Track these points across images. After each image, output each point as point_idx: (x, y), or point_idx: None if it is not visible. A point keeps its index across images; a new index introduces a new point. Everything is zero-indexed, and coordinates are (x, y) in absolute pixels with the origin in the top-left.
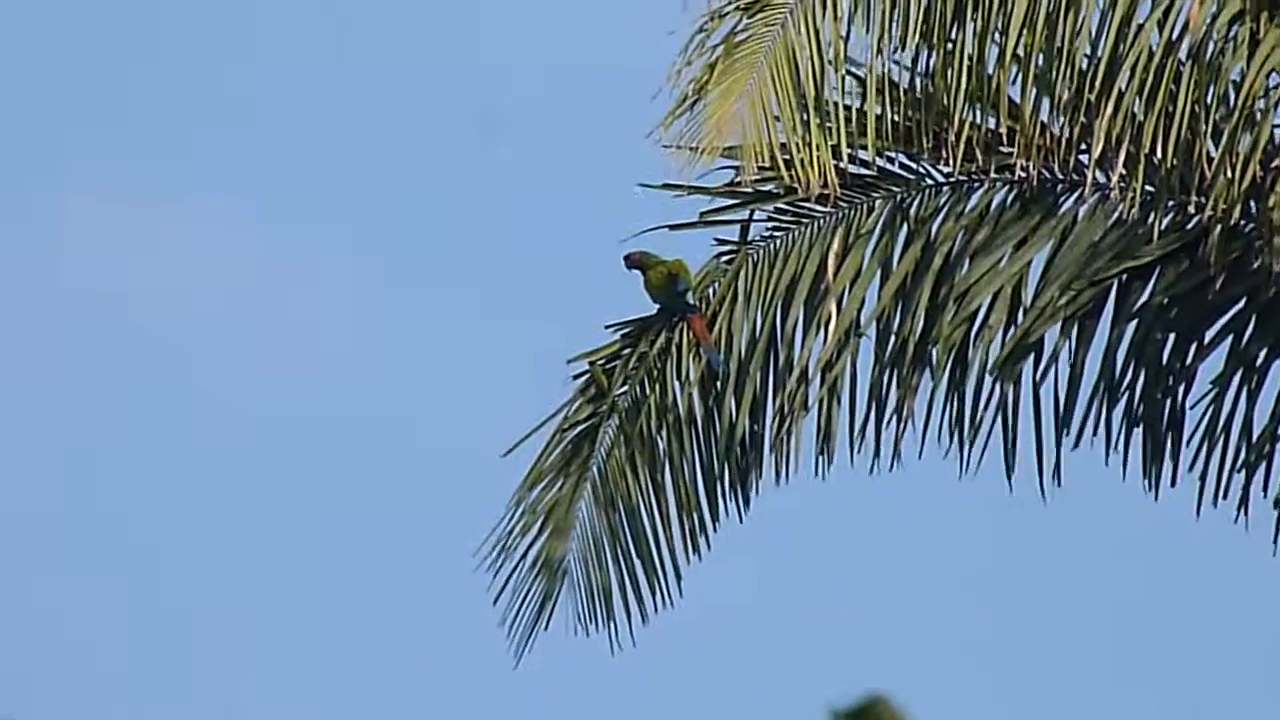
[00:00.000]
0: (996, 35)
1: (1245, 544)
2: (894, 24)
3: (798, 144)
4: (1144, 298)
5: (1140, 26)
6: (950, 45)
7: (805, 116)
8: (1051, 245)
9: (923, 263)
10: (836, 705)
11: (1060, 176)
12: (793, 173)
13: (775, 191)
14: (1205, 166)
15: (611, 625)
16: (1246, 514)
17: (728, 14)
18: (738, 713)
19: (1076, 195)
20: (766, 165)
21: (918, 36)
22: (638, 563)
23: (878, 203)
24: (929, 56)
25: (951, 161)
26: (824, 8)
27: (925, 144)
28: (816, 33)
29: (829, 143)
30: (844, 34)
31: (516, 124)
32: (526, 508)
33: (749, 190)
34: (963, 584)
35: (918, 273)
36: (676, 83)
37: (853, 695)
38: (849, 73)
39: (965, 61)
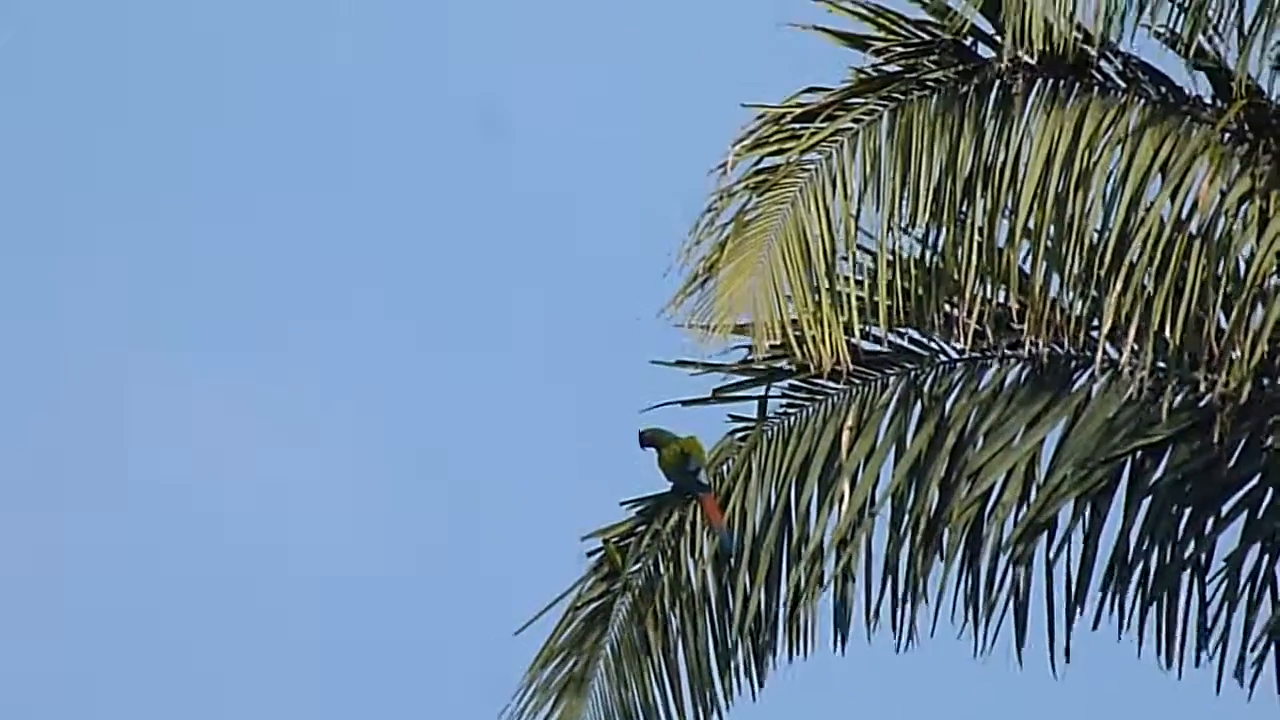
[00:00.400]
0: (1006, 212)
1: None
2: (904, 202)
3: (809, 321)
4: (1157, 474)
5: (1151, 204)
6: (960, 222)
7: (816, 294)
8: (1065, 423)
9: (936, 440)
10: None
11: (1072, 353)
12: (805, 350)
13: (788, 369)
14: (1215, 343)
15: None
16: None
17: (736, 192)
18: None
19: (1089, 372)
20: (778, 343)
21: (928, 215)
22: None
23: (891, 379)
24: (939, 233)
25: (963, 338)
26: (834, 186)
27: (938, 321)
28: (826, 211)
29: (840, 320)
30: (854, 212)
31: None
32: (539, 686)
33: (763, 367)
34: None
35: (931, 450)
36: (686, 261)
37: None
38: (860, 247)
39: (975, 237)
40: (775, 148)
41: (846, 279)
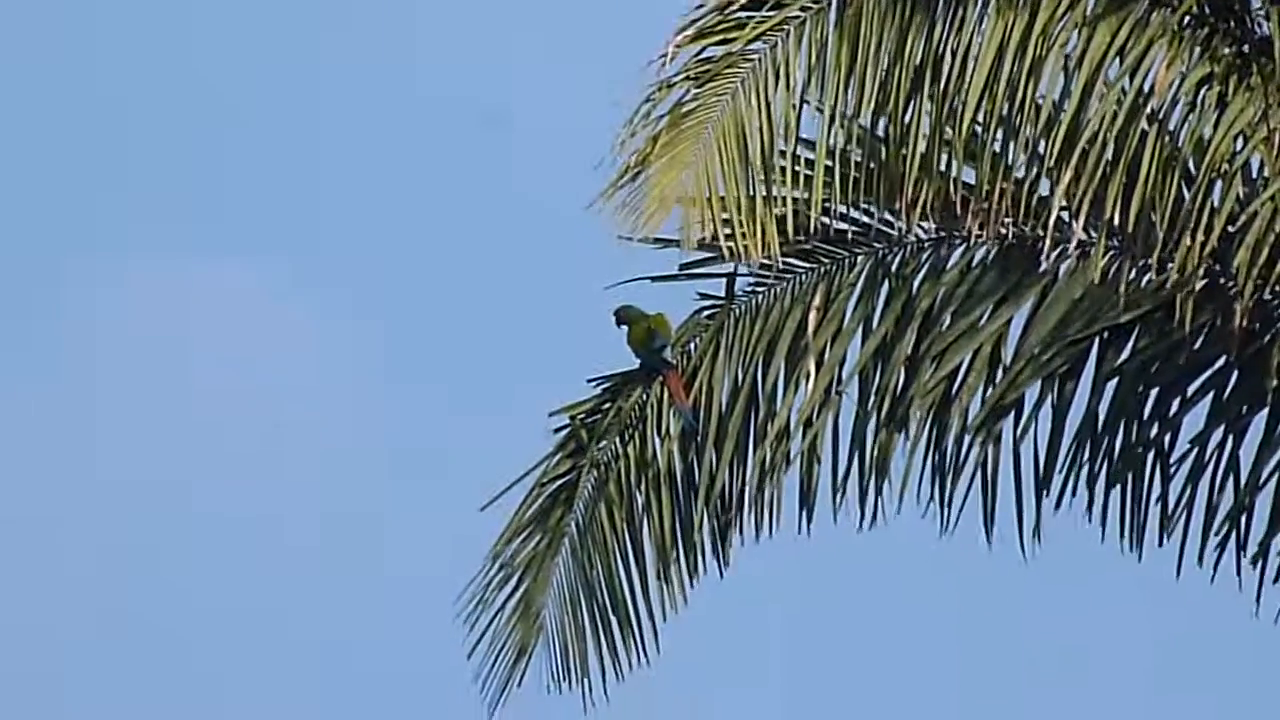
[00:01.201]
0: (957, 103)
1: (1228, 603)
2: (850, 91)
3: (741, 218)
4: (1123, 357)
5: (1106, 89)
6: (910, 110)
7: (750, 189)
8: (1031, 304)
9: (903, 319)
10: None
11: (1040, 234)
12: (733, 246)
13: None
14: (1170, 228)
15: (586, 682)
16: (1239, 573)
17: (676, 84)
18: None
19: (1056, 253)
20: (708, 239)
21: (874, 104)
22: (614, 619)
23: (859, 259)
24: (887, 122)
25: (913, 221)
26: (776, 78)
27: (912, 199)
28: (767, 104)
29: (774, 214)
30: (796, 103)
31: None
32: (504, 561)
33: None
34: (942, 643)
35: (898, 329)
36: (620, 152)
37: None
38: (802, 139)
39: (919, 132)
40: (719, 37)
41: (783, 171)
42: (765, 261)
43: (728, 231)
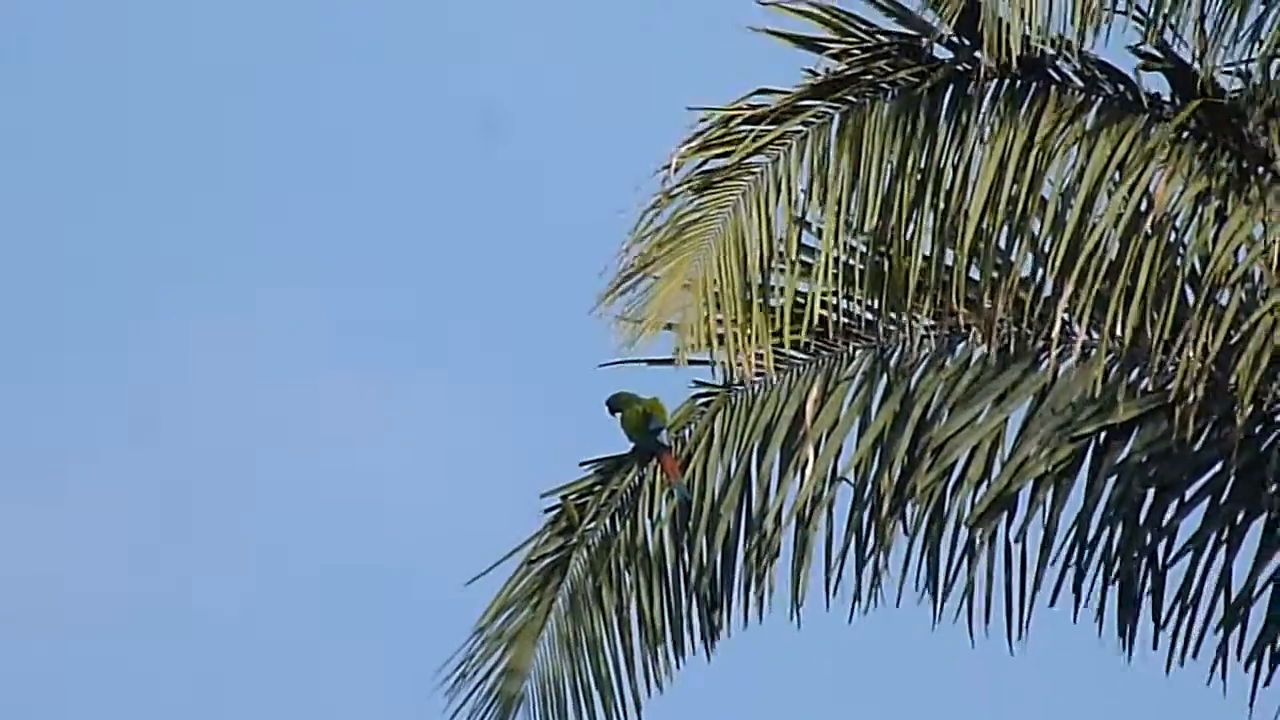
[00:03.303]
0: (958, 217)
1: (1220, 706)
2: (852, 203)
3: (736, 332)
4: (1122, 455)
5: (1106, 203)
6: (910, 222)
7: (748, 303)
8: (1031, 401)
9: (902, 413)
10: None
11: (1040, 332)
12: (726, 362)
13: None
14: (1170, 338)
15: None
16: (1224, 676)
17: (678, 193)
18: None
19: (1057, 353)
20: (702, 350)
21: (877, 216)
22: (596, 695)
23: (858, 352)
24: (888, 234)
25: (932, 315)
26: (777, 191)
27: (915, 300)
28: (767, 218)
29: (769, 331)
30: (798, 217)
31: None
32: (489, 635)
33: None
34: None
35: (896, 423)
36: (623, 258)
37: None
38: (802, 252)
39: (921, 239)
40: (721, 150)
41: (784, 271)
42: (758, 375)
43: (721, 345)
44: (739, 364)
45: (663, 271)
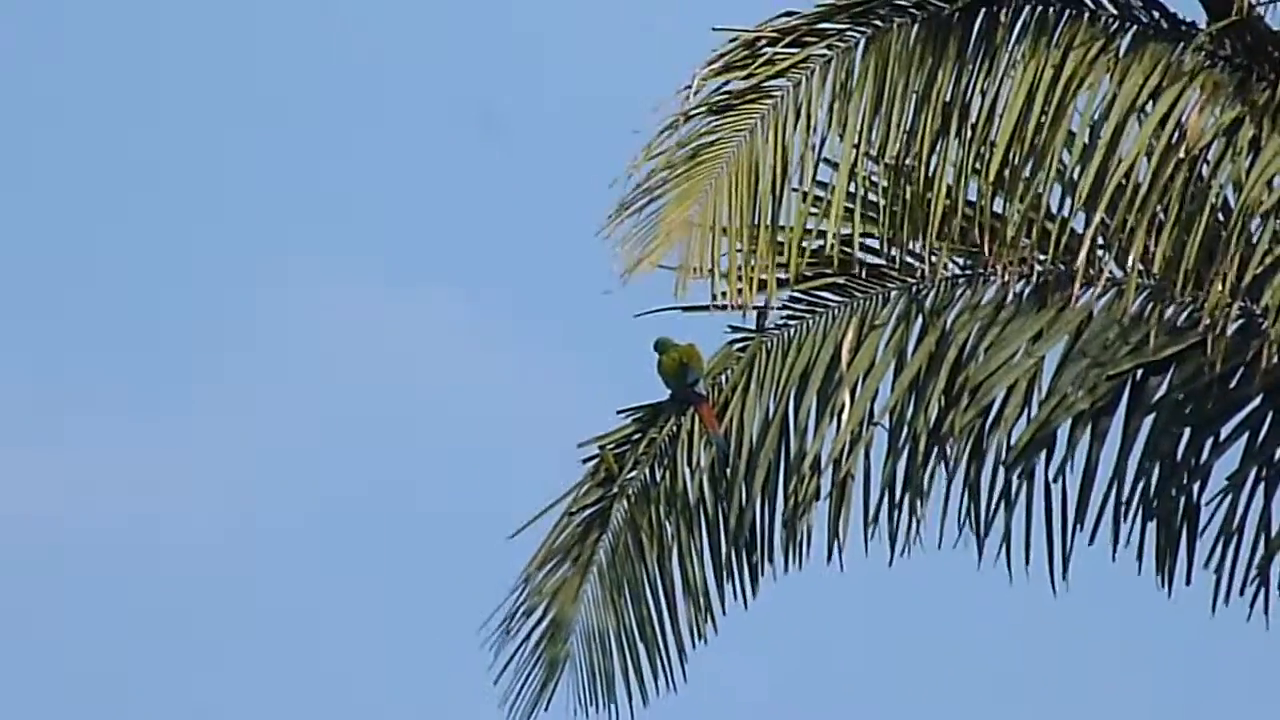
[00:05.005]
0: (984, 146)
1: (1261, 642)
2: (874, 131)
3: (744, 259)
4: (1159, 393)
5: (1138, 131)
6: (932, 157)
7: (755, 231)
8: (1066, 340)
9: (937, 354)
10: None
11: (1076, 269)
12: (729, 291)
13: (784, 278)
14: (1200, 268)
15: (612, 707)
16: (1267, 612)
17: (696, 114)
18: None
19: (1090, 290)
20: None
21: (900, 144)
22: (641, 646)
23: (892, 294)
24: (910, 162)
25: (960, 254)
26: (796, 116)
27: (940, 234)
28: (783, 145)
29: (776, 261)
30: (815, 144)
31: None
32: (533, 589)
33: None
34: (975, 680)
35: (932, 364)
36: (632, 175)
37: None
38: (817, 181)
39: (945, 169)
40: (743, 72)
41: (804, 199)
42: (757, 306)
43: (724, 273)
44: (739, 291)
45: (673, 195)
